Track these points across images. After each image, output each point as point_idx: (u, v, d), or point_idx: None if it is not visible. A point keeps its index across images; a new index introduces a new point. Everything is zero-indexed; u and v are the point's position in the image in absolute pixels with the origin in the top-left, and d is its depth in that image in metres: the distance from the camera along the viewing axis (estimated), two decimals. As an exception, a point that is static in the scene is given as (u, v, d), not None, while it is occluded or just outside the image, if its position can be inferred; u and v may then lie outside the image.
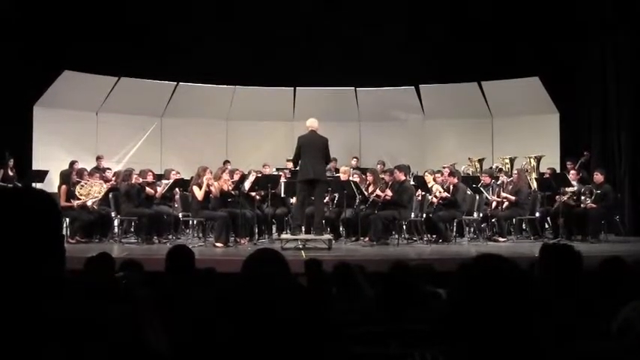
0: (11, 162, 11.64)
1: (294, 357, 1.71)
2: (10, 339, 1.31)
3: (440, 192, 10.91)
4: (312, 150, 9.71)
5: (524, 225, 11.73)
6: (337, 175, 12.17)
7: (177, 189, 11.30)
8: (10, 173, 11.58)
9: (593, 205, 10.71)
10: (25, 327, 1.32)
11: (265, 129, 14.72)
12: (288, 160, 10.18)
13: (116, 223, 11.06)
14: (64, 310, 1.36)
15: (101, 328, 1.36)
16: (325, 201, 11.44)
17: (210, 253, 9.10)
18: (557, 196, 11.00)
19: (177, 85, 14.80)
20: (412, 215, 10.85)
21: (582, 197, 10.93)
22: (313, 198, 9.87)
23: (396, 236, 10.65)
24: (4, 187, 10.77)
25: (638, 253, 8.19)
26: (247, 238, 10.55)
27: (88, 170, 11.49)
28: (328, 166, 13.36)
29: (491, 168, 12.83)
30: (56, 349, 1.31)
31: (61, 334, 1.33)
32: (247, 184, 10.95)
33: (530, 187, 11.87)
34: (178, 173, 11.94)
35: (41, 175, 12.36)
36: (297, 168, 10.10)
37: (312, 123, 9.94)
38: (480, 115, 14.87)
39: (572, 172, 11.64)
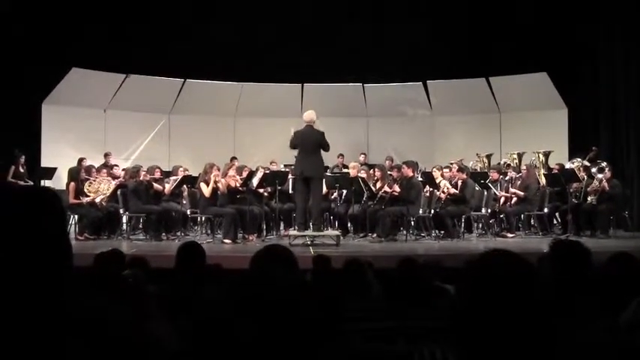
0: (22, 159, 11.69)
1: (301, 353, 1.72)
2: (16, 334, 1.31)
3: (448, 188, 10.90)
4: (308, 146, 9.71)
5: (532, 221, 11.70)
6: (345, 171, 12.14)
7: (185, 186, 11.31)
8: (21, 170, 11.66)
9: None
10: (31, 322, 1.32)
11: (273, 125, 14.69)
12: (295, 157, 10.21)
13: (124, 220, 11.07)
14: (71, 306, 1.36)
15: (107, 324, 1.36)
16: (333, 197, 11.44)
17: (219, 250, 9.12)
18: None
19: (184, 82, 14.83)
20: (420, 211, 10.84)
21: (589, 197, 10.91)
22: (310, 194, 9.84)
23: (405, 232, 10.65)
24: (12, 185, 10.87)
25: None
26: (255, 235, 10.56)
27: (97, 167, 11.50)
28: (335, 163, 13.41)
29: (499, 164, 12.78)
30: (62, 345, 1.31)
31: (67, 330, 1.33)
32: (255, 181, 10.96)
33: (538, 182, 11.83)
34: (186, 170, 11.93)
35: (50, 173, 12.43)
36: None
37: (309, 116, 9.91)
38: (487, 110, 14.84)
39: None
